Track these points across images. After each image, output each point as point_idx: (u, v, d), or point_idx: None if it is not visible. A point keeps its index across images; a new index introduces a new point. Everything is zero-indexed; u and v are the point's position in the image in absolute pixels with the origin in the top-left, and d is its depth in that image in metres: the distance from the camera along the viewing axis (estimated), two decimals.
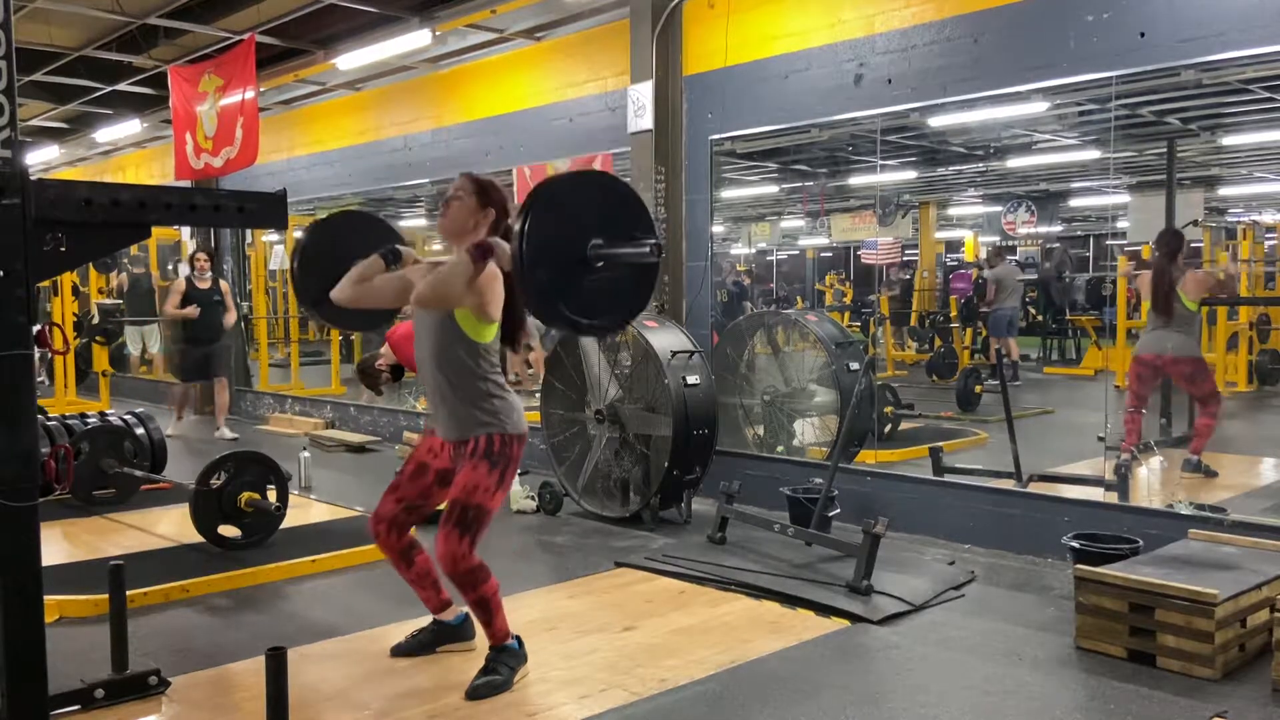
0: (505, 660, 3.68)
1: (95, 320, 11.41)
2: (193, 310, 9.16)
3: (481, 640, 3.86)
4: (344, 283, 3.66)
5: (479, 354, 3.58)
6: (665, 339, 6.16)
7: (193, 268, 9.30)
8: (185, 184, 10.04)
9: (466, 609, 3.91)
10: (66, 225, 2.60)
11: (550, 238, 3.18)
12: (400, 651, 3.96)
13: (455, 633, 3.99)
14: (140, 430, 6.95)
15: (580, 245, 3.26)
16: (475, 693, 3.57)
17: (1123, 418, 6.57)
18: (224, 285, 9.65)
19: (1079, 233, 17.02)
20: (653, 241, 3.30)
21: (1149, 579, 3.87)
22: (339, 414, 10.35)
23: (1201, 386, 6.66)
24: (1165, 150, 8.75)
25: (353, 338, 14.17)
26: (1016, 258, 15.40)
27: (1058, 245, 15.25)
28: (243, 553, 5.29)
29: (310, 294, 3.95)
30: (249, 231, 12.03)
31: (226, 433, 9.57)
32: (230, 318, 9.57)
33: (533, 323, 12.99)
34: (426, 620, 4.03)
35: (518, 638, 3.75)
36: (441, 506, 3.92)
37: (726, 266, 14.50)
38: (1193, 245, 7.98)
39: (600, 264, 3.27)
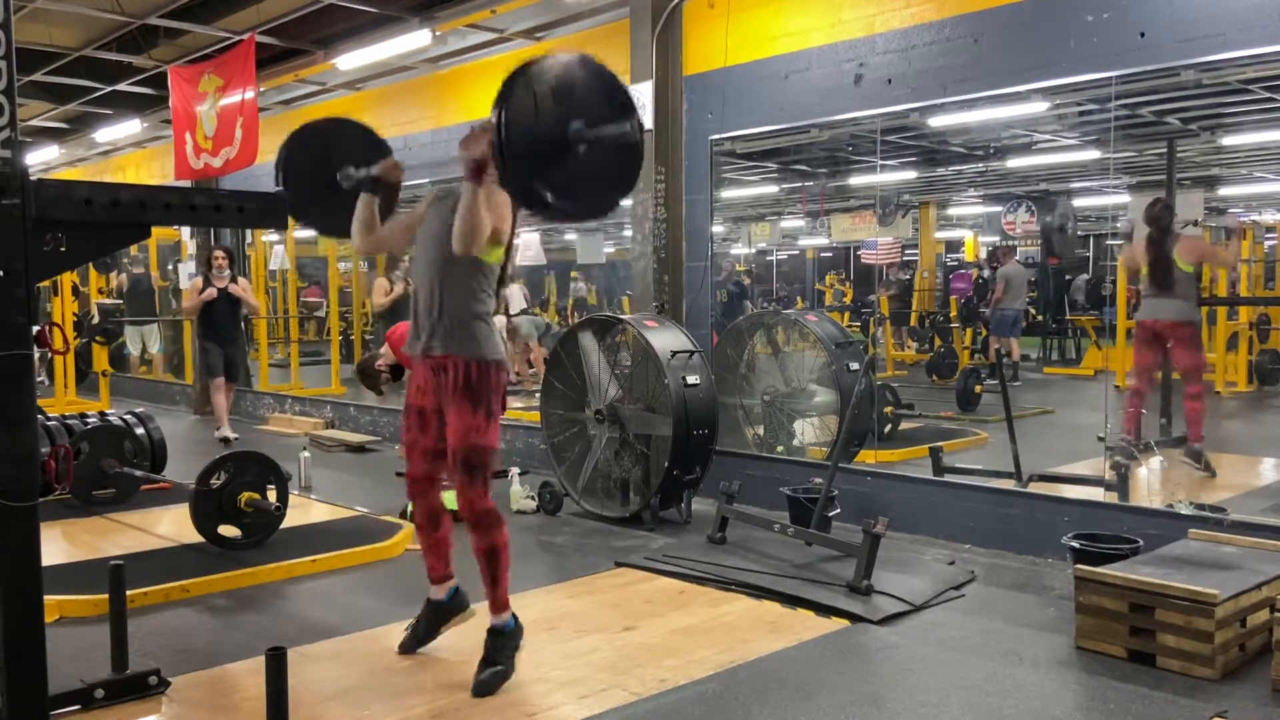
0: (504, 648, 3.69)
1: (95, 320, 11.41)
2: (211, 293, 8.96)
3: (481, 616, 3.84)
4: (356, 238, 3.85)
5: (479, 272, 3.65)
6: (665, 339, 6.16)
7: (210, 266, 9.13)
8: (185, 184, 10.05)
9: (456, 584, 3.96)
10: (66, 225, 2.61)
11: (529, 121, 3.13)
12: (406, 648, 3.98)
13: (451, 606, 3.98)
14: (140, 430, 6.95)
15: (561, 128, 3.20)
16: (483, 688, 3.58)
17: (1124, 402, 6.60)
18: (242, 281, 9.44)
19: (1079, 233, 16.99)
20: (634, 119, 3.24)
21: (1149, 579, 3.87)
22: (339, 414, 10.35)
23: (1194, 355, 6.66)
24: (1165, 150, 8.75)
25: (352, 338, 14.19)
26: (1019, 257, 15.38)
27: (1059, 196, 14.91)
28: (243, 553, 5.28)
29: (298, 204, 4.05)
30: (249, 231, 12.03)
31: (228, 433, 9.53)
32: (255, 306, 9.60)
33: (530, 321, 12.88)
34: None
35: (513, 615, 3.75)
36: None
37: (726, 266, 14.48)
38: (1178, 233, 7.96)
39: (583, 146, 3.21)
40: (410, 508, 4.24)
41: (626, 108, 3.33)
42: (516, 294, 15.46)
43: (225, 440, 9.12)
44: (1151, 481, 6.47)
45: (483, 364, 3.63)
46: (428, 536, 3.93)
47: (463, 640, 3.96)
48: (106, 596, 3.57)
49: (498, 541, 3.67)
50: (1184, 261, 6.50)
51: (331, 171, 4.05)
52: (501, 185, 3.41)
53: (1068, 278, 15.20)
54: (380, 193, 3.83)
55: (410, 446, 3.86)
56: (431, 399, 3.75)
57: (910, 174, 12.14)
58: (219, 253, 9.23)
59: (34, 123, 12.67)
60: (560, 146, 3.21)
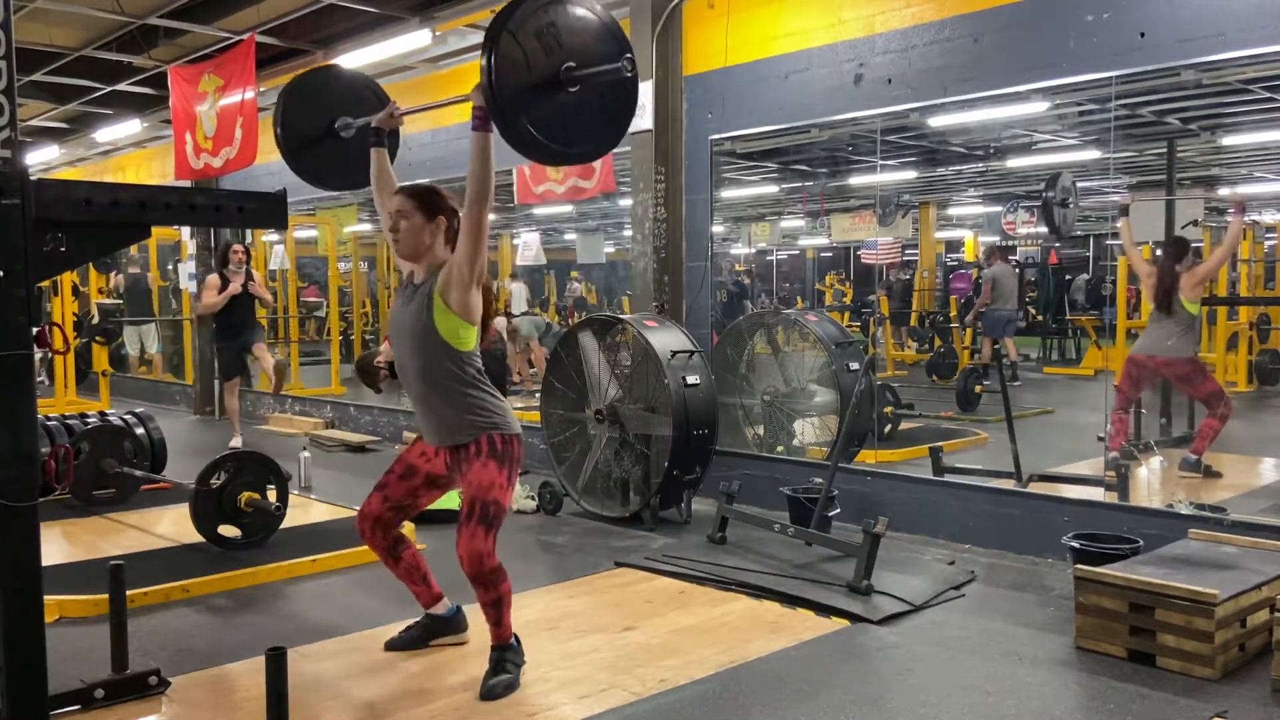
0: (512, 658, 3.69)
1: (95, 320, 11.41)
2: (235, 289, 8.49)
3: (475, 634, 3.86)
4: (377, 196, 3.78)
5: (464, 362, 3.57)
6: (665, 339, 6.16)
7: (228, 262, 8.68)
8: (185, 184, 10.04)
9: (457, 604, 3.95)
10: (66, 225, 2.61)
11: (519, 62, 3.10)
12: (394, 646, 3.98)
13: (448, 625, 3.99)
14: (140, 430, 6.95)
15: (553, 67, 3.17)
16: (491, 693, 3.57)
17: (1110, 418, 6.57)
18: (257, 276, 8.96)
19: (1079, 233, 16.99)
20: (628, 56, 3.20)
21: (1149, 579, 3.87)
22: (339, 414, 10.35)
23: (1201, 388, 6.64)
24: (1165, 150, 8.74)
25: (352, 337, 14.20)
26: (1016, 257, 15.38)
27: (1062, 171, 14.88)
28: (243, 553, 5.28)
29: (292, 148, 4.04)
30: (249, 231, 12.02)
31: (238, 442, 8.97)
32: (269, 302, 9.28)
33: (530, 321, 12.84)
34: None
35: (515, 635, 3.76)
36: (431, 507, 3.93)
37: (726, 267, 14.49)
38: (1194, 245, 7.94)
39: (575, 87, 3.18)
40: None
41: (619, 46, 3.28)
42: (519, 293, 15.47)
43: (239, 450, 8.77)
44: (1151, 481, 6.48)
45: (505, 436, 3.59)
46: (395, 569, 3.88)
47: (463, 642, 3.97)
48: (106, 596, 3.57)
49: (504, 593, 3.61)
50: (1188, 300, 6.46)
51: (330, 121, 4.04)
52: (494, 125, 3.33)
53: (1068, 277, 15.20)
54: (386, 143, 3.81)
55: (380, 486, 3.80)
56: (430, 467, 3.72)
57: (910, 174, 12.14)
58: (238, 247, 8.79)
59: (34, 123, 12.67)
60: (552, 87, 3.18)
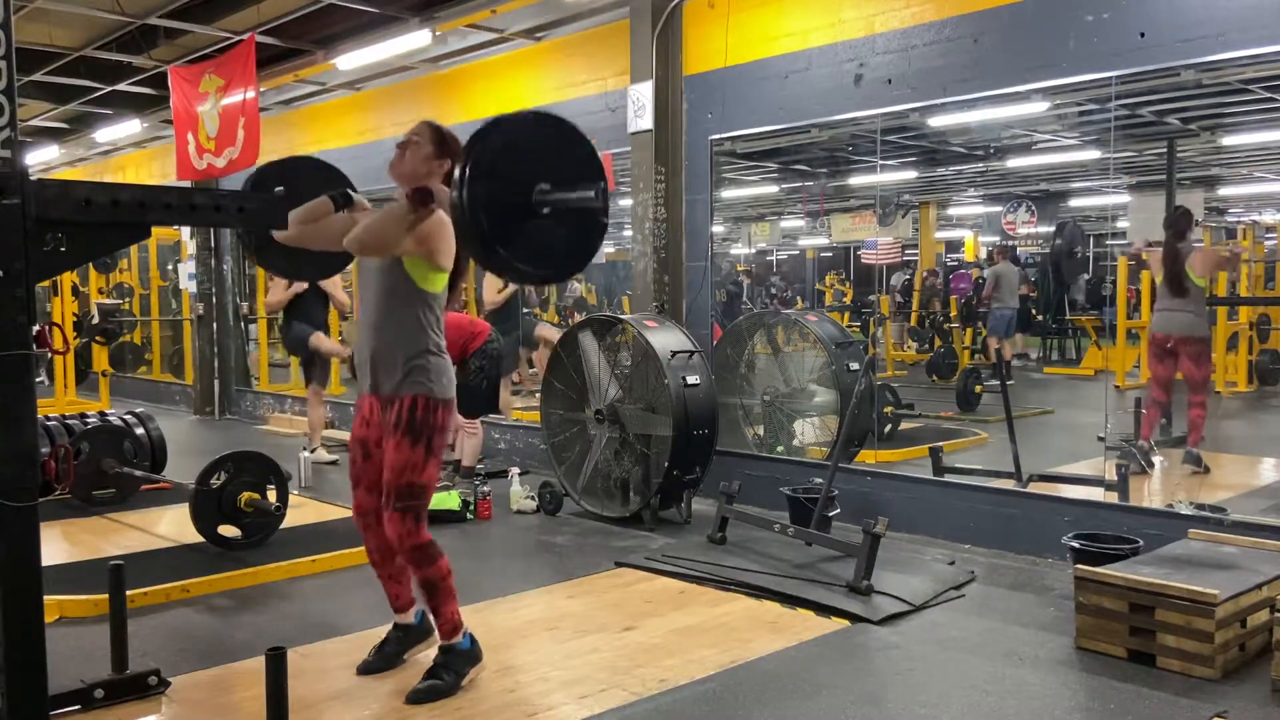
0: (452, 664, 3.62)
1: (95, 320, 11.41)
2: (301, 285, 7.99)
3: (494, 634, 3.84)
4: (289, 221, 3.39)
5: (425, 304, 3.53)
6: (665, 339, 6.16)
7: None
8: (187, 184, 10.05)
9: (421, 609, 3.86)
10: (66, 225, 2.61)
11: (493, 182, 3.05)
12: (369, 669, 3.82)
13: (419, 633, 3.90)
14: (140, 430, 6.95)
15: (526, 190, 3.12)
16: (416, 697, 3.52)
17: (1144, 410, 6.66)
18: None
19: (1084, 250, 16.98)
20: (599, 185, 3.14)
21: (1149, 579, 3.87)
22: (339, 414, 10.35)
23: (1203, 368, 6.72)
24: (1165, 150, 8.75)
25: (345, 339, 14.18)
26: (1016, 255, 15.38)
27: (1069, 220, 15.00)
28: (243, 553, 5.29)
29: (257, 239, 3.80)
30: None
31: (323, 454, 8.30)
32: (343, 303, 8.58)
33: (550, 328, 12.59)
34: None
35: (470, 635, 3.68)
36: (431, 507, 3.88)
37: (725, 267, 14.49)
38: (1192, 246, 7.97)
39: (546, 210, 3.15)
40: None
41: (597, 174, 3.19)
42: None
43: (321, 462, 8.03)
44: (1151, 481, 6.48)
45: (430, 401, 3.52)
46: (383, 569, 3.80)
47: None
48: (106, 596, 3.57)
49: (434, 574, 3.55)
50: (1197, 275, 6.52)
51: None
52: (460, 242, 3.28)
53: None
54: (340, 210, 3.60)
55: (356, 480, 3.75)
56: (376, 432, 3.66)
57: (910, 174, 12.15)
58: None
59: (34, 123, 12.67)
60: (523, 209, 3.12)
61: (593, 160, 3.26)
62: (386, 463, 3.54)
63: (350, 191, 3.67)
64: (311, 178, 3.89)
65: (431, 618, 3.66)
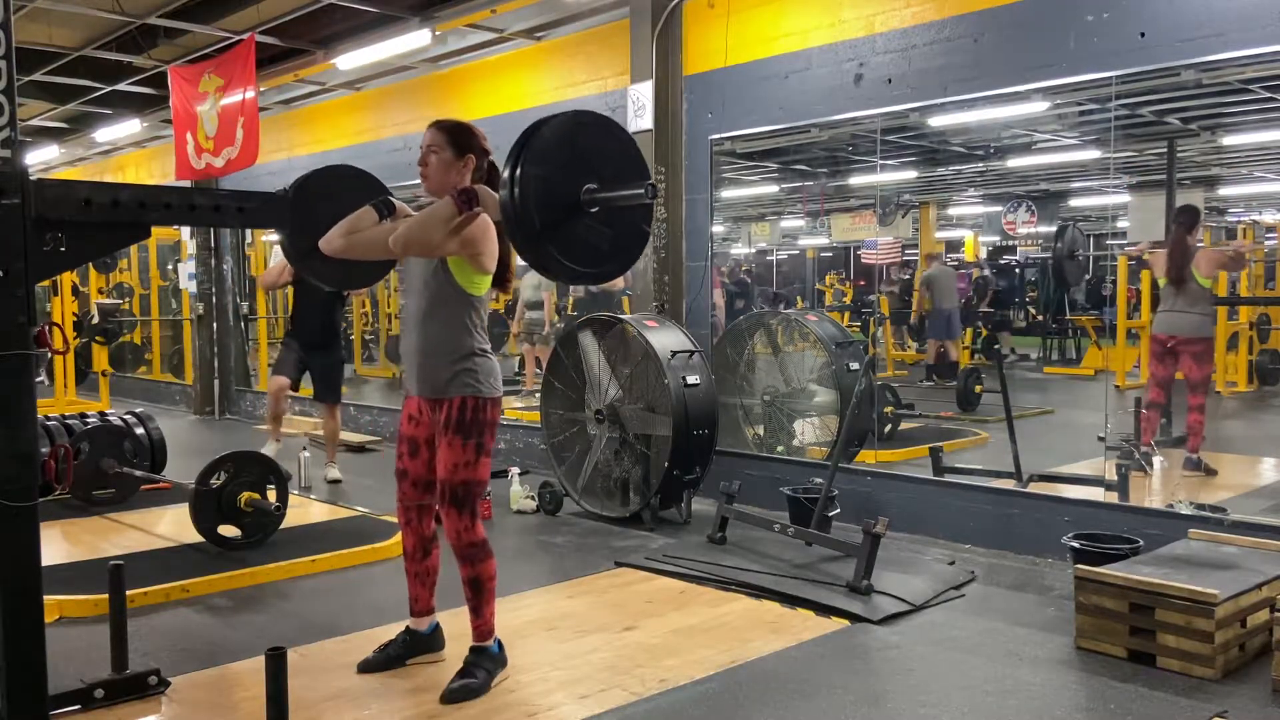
0: (484, 663, 3.66)
1: (95, 320, 11.41)
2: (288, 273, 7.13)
3: (451, 652, 3.85)
4: (333, 233, 3.48)
5: (470, 307, 3.55)
6: (665, 339, 6.16)
7: None
8: (186, 184, 10.04)
9: (436, 621, 3.92)
10: (66, 225, 2.61)
11: (542, 182, 3.06)
12: (370, 667, 3.83)
13: (426, 643, 3.92)
14: (140, 430, 6.95)
15: (574, 189, 3.14)
16: (450, 696, 3.54)
17: (1143, 413, 6.65)
18: None
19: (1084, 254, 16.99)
20: (649, 182, 3.16)
21: (1149, 579, 3.87)
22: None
23: (1203, 368, 6.71)
24: (1165, 150, 8.74)
25: (352, 337, 14.19)
26: (1017, 257, 15.38)
27: (1069, 223, 15.01)
28: (243, 553, 5.29)
29: (300, 249, 3.74)
30: (248, 231, 12.03)
31: (333, 472, 7.62)
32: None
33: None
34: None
35: (498, 641, 3.73)
36: None
37: (727, 269, 14.49)
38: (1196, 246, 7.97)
39: (595, 209, 3.17)
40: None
41: (643, 172, 3.22)
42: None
43: (335, 481, 7.50)
44: (1151, 482, 6.48)
45: (480, 400, 3.55)
46: (416, 564, 3.82)
47: (462, 645, 3.96)
48: (106, 596, 3.57)
49: (483, 573, 3.61)
50: (1202, 275, 6.52)
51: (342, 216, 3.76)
52: (511, 237, 3.24)
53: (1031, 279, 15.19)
54: (383, 220, 3.58)
55: (401, 474, 3.78)
56: (424, 430, 3.69)
57: (910, 174, 12.14)
58: None
59: (34, 123, 12.67)
60: (572, 208, 3.13)
61: (639, 159, 3.31)
62: (440, 461, 3.59)
63: (391, 198, 3.68)
64: (351, 184, 3.89)
65: (471, 616, 3.68)
